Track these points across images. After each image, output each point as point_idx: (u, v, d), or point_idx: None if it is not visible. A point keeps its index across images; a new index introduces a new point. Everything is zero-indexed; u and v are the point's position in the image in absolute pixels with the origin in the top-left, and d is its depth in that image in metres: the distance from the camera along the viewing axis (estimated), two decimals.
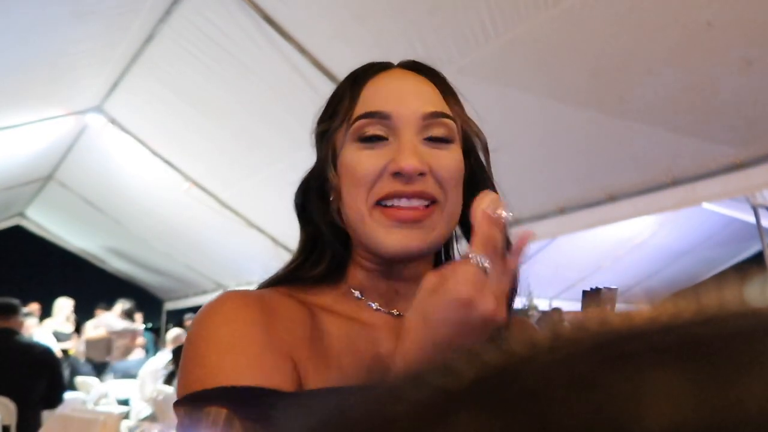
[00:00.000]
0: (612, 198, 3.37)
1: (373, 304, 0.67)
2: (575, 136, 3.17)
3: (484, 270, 0.51)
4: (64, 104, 4.36)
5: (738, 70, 2.45)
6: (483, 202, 0.54)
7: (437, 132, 0.65)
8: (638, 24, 2.46)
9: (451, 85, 0.71)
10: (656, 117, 2.84)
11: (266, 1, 3.05)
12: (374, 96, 0.66)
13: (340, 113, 0.67)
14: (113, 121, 4.65)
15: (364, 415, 0.14)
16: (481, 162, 0.71)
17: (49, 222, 7.59)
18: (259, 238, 5.31)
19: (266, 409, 0.52)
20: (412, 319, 0.53)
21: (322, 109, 0.71)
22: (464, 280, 0.50)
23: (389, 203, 0.62)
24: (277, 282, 0.70)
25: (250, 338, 0.56)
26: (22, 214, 7.41)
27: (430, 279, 0.52)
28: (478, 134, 0.71)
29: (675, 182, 3.07)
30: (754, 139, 2.72)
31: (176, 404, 0.55)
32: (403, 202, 0.62)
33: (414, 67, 0.71)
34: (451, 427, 0.13)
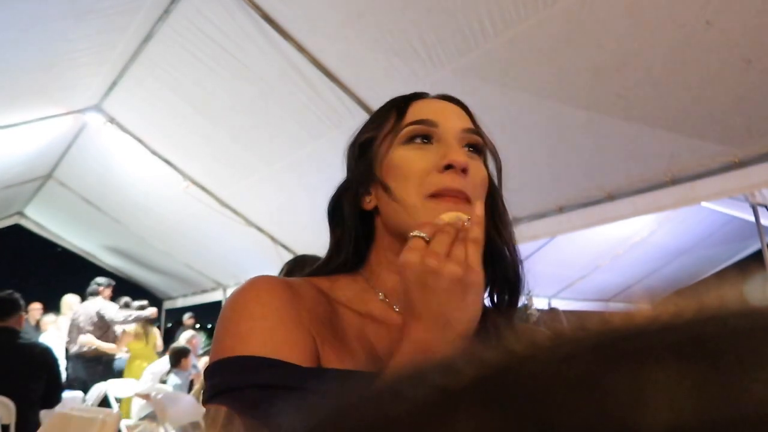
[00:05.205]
0: (611, 197, 3.37)
1: (396, 307, 0.71)
2: (574, 134, 3.18)
3: (423, 238, 0.58)
4: (63, 103, 4.35)
5: (737, 69, 2.46)
6: (446, 216, 0.62)
7: (473, 140, 0.73)
8: (638, 23, 2.46)
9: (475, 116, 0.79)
10: (655, 116, 2.85)
11: (265, 1, 3.05)
12: (420, 110, 0.73)
13: (387, 123, 0.73)
14: (112, 120, 4.65)
15: (363, 414, 0.14)
16: (494, 182, 0.77)
17: (48, 221, 7.59)
18: (258, 237, 5.32)
19: (280, 381, 0.56)
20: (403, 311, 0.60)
21: (364, 124, 0.78)
22: (406, 249, 0.58)
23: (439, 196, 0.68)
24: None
25: (277, 314, 0.61)
26: (21, 213, 7.40)
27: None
28: (496, 156, 0.77)
29: (674, 181, 3.07)
30: (753, 138, 2.72)
31: (207, 370, 0.60)
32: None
33: (447, 97, 0.79)
34: (451, 426, 0.13)
